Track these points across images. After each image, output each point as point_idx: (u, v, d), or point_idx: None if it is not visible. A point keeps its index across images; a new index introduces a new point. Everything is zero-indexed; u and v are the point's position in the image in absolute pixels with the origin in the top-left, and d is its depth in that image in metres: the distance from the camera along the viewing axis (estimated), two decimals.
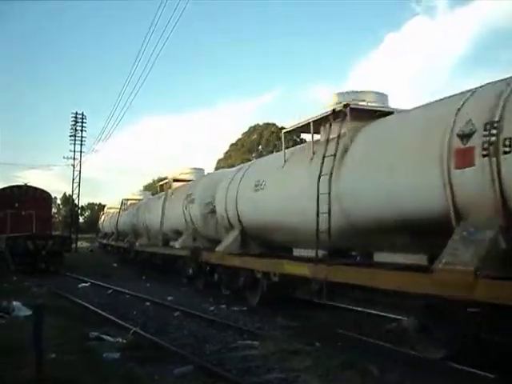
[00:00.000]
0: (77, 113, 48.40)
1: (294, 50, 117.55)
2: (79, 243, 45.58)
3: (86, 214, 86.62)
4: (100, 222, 46.33)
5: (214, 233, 15.92)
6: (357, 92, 10.09)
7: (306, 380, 6.55)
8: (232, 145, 63.66)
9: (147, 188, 57.72)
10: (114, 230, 34.20)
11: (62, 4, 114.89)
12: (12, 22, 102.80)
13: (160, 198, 22.73)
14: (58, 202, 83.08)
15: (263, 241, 12.96)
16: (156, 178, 76.75)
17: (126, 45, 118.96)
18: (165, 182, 22.69)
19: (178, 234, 18.84)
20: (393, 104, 10.14)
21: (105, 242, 38.97)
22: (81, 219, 71.43)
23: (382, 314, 10.25)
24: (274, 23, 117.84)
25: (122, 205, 32.76)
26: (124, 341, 8.86)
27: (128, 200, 32.84)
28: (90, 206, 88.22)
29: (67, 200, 70.34)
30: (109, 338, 9.11)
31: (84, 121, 48.42)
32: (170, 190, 21.20)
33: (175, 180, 21.57)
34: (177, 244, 18.14)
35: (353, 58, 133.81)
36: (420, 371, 6.64)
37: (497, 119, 6.04)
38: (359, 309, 11.18)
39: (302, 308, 11.82)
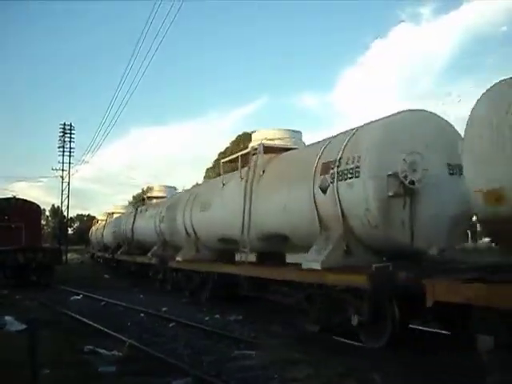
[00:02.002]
0: (65, 124, 48.19)
1: (280, 58, 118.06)
2: (69, 255, 45.13)
3: (75, 225, 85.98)
4: (92, 232, 42.30)
5: (407, 239, 8.60)
6: None
7: None
8: (220, 153, 63.57)
9: (136, 199, 57.39)
10: (123, 240, 26.70)
11: (48, 13, 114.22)
12: None
13: (229, 182, 13.84)
14: (47, 213, 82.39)
15: None
16: (145, 188, 76.73)
17: (115, 55, 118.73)
18: (241, 153, 13.47)
19: (271, 240, 11.52)
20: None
21: (107, 256, 30.49)
22: (70, 231, 70.81)
23: None
24: (259, 32, 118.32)
25: (137, 206, 25.56)
26: (119, 353, 8.71)
27: (147, 198, 25.20)
28: (79, 217, 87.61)
29: (56, 212, 69.83)
30: (104, 350, 8.95)
31: (72, 132, 48.21)
32: (257, 166, 12.26)
33: (267, 149, 12.57)
34: (312, 263, 9.38)
35: (339, 66, 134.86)
36: (421, 377, 6.60)
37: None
38: None
39: (297, 316, 11.74)
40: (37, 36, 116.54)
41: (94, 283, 23.10)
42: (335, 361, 7.61)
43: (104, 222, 36.18)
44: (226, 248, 14.17)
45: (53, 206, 76.62)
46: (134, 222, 24.45)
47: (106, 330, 11.00)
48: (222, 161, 15.31)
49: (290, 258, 12.45)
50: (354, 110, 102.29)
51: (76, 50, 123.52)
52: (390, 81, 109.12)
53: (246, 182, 12.31)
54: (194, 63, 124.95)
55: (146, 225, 22.22)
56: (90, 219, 73.93)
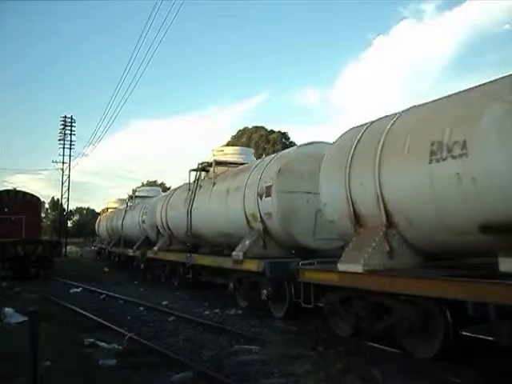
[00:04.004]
0: (65, 116, 48.22)
1: (281, 54, 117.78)
2: (68, 248, 45.18)
3: (75, 218, 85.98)
4: (101, 222, 36.54)
5: None
6: None
7: None
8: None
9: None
10: (163, 233, 19.66)
11: (52, 5, 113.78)
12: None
13: None
14: (46, 206, 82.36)
15: None
16: (145, 182, 76.75)
17: (117, 48, 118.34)
18: None
19: None
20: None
21: (130, 253, 23.50)
22: (69, 223, 70.83)
23: None
24: (261, 27, 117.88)
25: (198, 176, 16.40)
26: (120, 347, 8.72)
27: (216, 164, 15.63)
28: (79, 210, 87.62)
29: (55, 204, 69.85)
30: (104, 344, 8.95)
31: (73, 124, 48.22)
32: None
33: None
34: None
35: (341, 62, 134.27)
36: (422, 375, 6.60)
37: None
38: None
39: (299, 311, 11.71)
40: (40, 27, 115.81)
41: (94, 276, 23.13)
42: (335, 356, 7.63)
43: (123, 209, 28.65)
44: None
45: (52, 198, 76.72)
46: (191, 203, 16.01)
47: (106, 323, 10.98)
48: None
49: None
50: (354, 106, 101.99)
51: (78, 44, 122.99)
52: (392, 78, 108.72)
53: None
54: (196, 58, 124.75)
55: (220, 204, 14.12)
56: (90, 212, 74.03)
